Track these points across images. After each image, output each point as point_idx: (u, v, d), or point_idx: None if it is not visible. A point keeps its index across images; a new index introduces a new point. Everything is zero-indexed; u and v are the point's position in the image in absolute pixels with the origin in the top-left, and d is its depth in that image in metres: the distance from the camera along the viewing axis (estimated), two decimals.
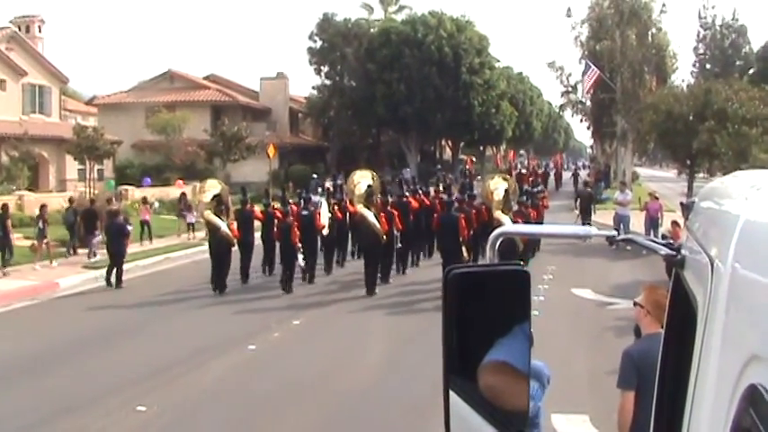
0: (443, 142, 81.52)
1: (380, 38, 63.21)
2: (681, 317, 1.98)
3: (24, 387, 12.75)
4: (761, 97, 35.56)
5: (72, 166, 48.25)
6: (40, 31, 56.93)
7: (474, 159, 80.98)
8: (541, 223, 25.21)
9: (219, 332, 16.73)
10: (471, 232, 21.71)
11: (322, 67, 67.73)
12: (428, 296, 19.52)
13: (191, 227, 33.07)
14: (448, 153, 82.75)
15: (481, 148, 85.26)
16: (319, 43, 67.33)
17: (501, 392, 2.01)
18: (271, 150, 49.25)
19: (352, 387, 12.67)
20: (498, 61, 70.72)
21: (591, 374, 12.84)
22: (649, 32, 58.38)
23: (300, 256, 21.74)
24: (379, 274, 21.62)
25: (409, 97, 60.35)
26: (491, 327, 1.99)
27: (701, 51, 77.35)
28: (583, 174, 64.99)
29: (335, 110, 66.65)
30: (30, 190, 40.15)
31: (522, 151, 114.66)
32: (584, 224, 31.84)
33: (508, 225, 18.72)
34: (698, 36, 77.62)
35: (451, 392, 2.01)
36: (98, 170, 48.57)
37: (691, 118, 37.77)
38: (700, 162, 41.83)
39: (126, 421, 11.16)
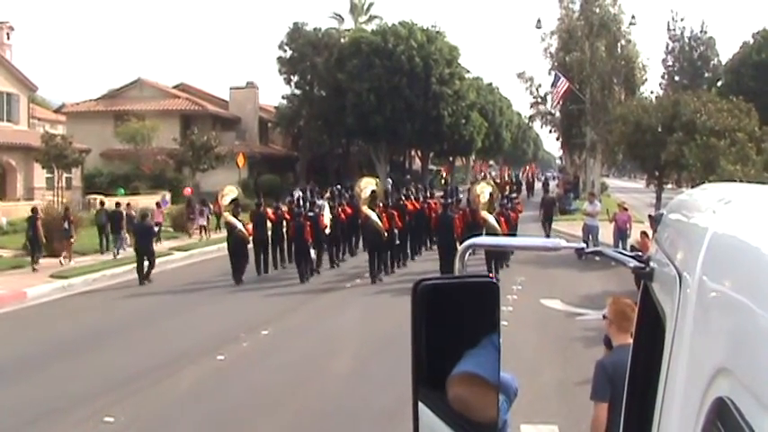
0: (413, 152, 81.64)
1: (351, 48, 63.04)
2: (649, 329, 1.99)
3: None
4: (729, 109, 35.75)
5: (40, 175, 47.91)
6: (8, 38, 56.67)
7: (445, 169, 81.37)
8: (517, 226, 28.62)
9: (189, 340, 16.58)
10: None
11: (292, 77, 67.46)
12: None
13: (203, 229, 35.78)
14: (417, 163, 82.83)
15: (451, 158, 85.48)
16: (289, 53, 67.04)
17: (470, 404, 2.00)
18: (240, 160, 49.14)
19: (323, 395, 12.63)
20: (468, 72, 70.82)
21: (560, 385, 12.86)
22: (619, 44, 58.91)
23: (312, 251, 24.98)
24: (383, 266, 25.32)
25: (379, 107, 60.20)
26: (460, 338, 1.98)
27: (670, 63, 77.99)
28: (552, 184, 65.30)
29: (305, 119, 66.45)
30: None
31: (491, 162, 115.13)
32: (546, 231, 32.90)
33: (487, 229, 23.68)
34: (667, 48, 78.30)
35: (421, 404, 2.00)
36: (66, 178, 48.29)
37: (659, 129, 38.05)
38: (668, 173, 42.18)
39: None
